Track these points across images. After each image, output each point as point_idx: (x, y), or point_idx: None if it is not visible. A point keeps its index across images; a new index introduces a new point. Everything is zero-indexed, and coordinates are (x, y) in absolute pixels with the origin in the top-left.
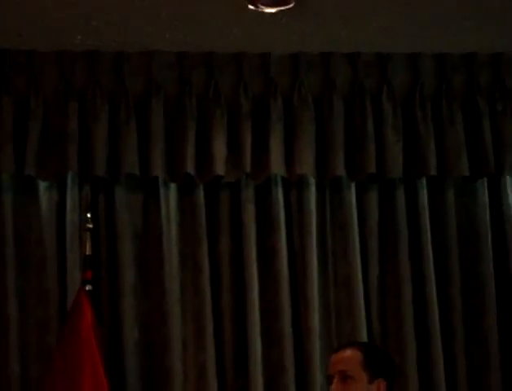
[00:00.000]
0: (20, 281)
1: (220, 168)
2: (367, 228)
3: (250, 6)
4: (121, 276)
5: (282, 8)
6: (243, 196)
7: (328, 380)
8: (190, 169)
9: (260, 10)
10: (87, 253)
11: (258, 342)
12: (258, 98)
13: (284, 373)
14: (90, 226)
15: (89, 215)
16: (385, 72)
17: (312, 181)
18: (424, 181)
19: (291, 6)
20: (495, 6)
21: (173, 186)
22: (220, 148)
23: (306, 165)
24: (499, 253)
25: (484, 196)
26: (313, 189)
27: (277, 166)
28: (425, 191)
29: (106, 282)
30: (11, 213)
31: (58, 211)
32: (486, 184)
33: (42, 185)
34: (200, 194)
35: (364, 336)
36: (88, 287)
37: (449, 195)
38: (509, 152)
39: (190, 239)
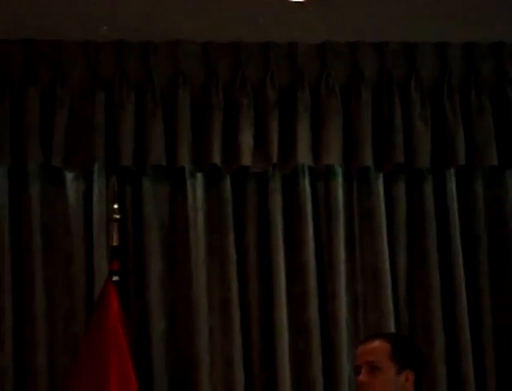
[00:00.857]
0: (47, 272)
1: (247, 158)
2: (395, 218)
3: None
4: (148, 266)
5: None
6: (270, 186)
7: (356, 370)
8: (216, 159)
9: None
10: (114, 244)
11: (284, 332)
12: (285, 88)
13: (311, 363)
14: (118, 216)
15: (116, 206)
16: (413, 61)
17: (340, 171)
18: (452, 171)
19: None
20: None
21: (199, 176)
22: (247, 138)
23: (334, 155)
24: None
25: None
26: (340, 179)
27: (304, 156)
28: (453, 181)
29: (133, 272)
30: (37, 204)
31: (85, 201)
32: None
33: (69, 175)
34: (227, 184)
35: (391, 327)
36: (115, 278)
37: (478, 184)
38: None
39: (217, 229)
